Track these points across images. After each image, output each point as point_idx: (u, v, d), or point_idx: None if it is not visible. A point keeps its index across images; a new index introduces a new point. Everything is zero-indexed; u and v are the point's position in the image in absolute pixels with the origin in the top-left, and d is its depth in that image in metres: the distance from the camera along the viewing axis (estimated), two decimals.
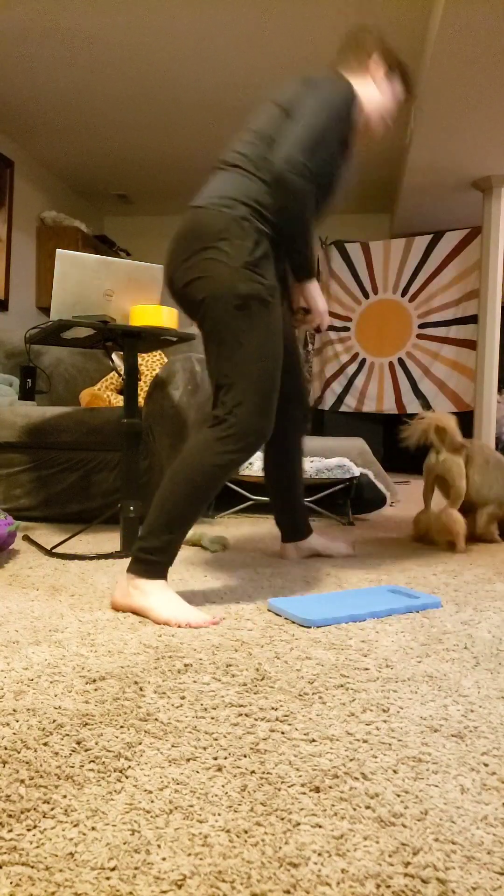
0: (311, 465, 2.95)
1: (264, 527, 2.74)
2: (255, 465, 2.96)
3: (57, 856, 0.64)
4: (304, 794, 0.76)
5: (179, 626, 1.34)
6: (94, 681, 1.06)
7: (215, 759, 0.83)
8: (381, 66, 1.79)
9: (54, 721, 0.91)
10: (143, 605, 1.40)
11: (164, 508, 1.45)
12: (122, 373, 3.08)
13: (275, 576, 1.83)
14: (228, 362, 1.51)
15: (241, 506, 3.00)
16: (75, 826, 0.69)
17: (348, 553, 2.12)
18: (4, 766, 0.80)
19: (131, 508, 2.05)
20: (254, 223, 1.55)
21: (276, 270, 1.62)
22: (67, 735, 0.88)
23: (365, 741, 0.88)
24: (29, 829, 0.68)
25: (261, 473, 2.92)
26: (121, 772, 0.79)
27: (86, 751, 0.84)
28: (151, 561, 1.44)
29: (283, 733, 0.90)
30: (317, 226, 1.69)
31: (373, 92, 1.79)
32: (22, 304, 5.59)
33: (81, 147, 5.50)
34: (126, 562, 1.98)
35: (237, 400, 1.49)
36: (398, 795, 0.76)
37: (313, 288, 1.72)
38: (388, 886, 0.61)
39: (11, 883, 0.60)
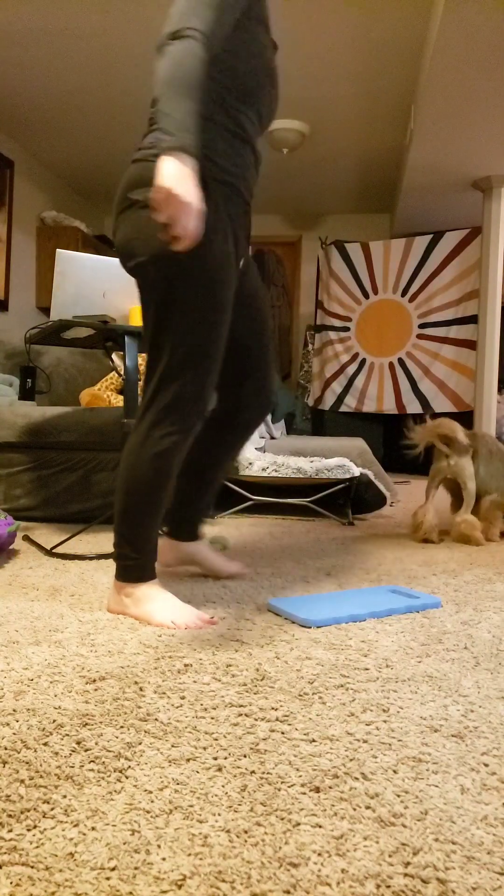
0: (311, 465, 2.95)
1: (264, 527, 2.74)
2: (255, 465, 2.96)
3: (57, 856, 0.64)
4: (304, 794, 0.76)
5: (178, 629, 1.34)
6: (94, 681, 1.06)
7: (215, 759, 0.83)
8: None
9: (54, 721, 0.91)
10: (138, 613, 1.38)
11: (125, 510, 1.39)
12: (122, 373, 3.08)
13: (275, 576, 1.83)
14: (161, 333, 1.35)
15: (241, 506, 3.00)
16: (75, 826, 0.69)
17: (238, 571, 1.77)
18: (4, 766, 0.80)
19: None
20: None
21: (227, 221, 1.38)
22: (67, 735, 0.88)
23: (365, 741, 0.88)
24: (29, 829, 0.68)
25: (261, 473, 2.93)
26: (121, 772, 0.79)
27: (86, 751, 0.84)
28: (130, 565, 1.41)
29: (283, 733, 0.90)
30: (258, 123, 1.43)
31: None
32: (22, 304, 5.59)
33: (81, 147, 5.50)
34: None
35: (168, 376, 1.34)
36: (398, 795, 0.76)
37: (166, 163, 1.14)
38: (388, 886, 0.61)
39: (11, 883, 0.60)
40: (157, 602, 1.38)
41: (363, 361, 5.98)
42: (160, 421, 1.36)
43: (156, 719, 0.93)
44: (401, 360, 5.83)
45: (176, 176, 1.13)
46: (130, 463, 1.38)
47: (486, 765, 0.83)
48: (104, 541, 2.32)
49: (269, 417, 4.23)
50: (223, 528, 2.69)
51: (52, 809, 0.72)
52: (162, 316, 1.34)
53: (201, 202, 1.21)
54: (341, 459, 2.91)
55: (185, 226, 1.16)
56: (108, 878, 0.61)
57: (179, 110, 1.15)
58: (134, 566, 1.42)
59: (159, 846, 0.66)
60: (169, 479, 1.39)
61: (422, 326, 5.74)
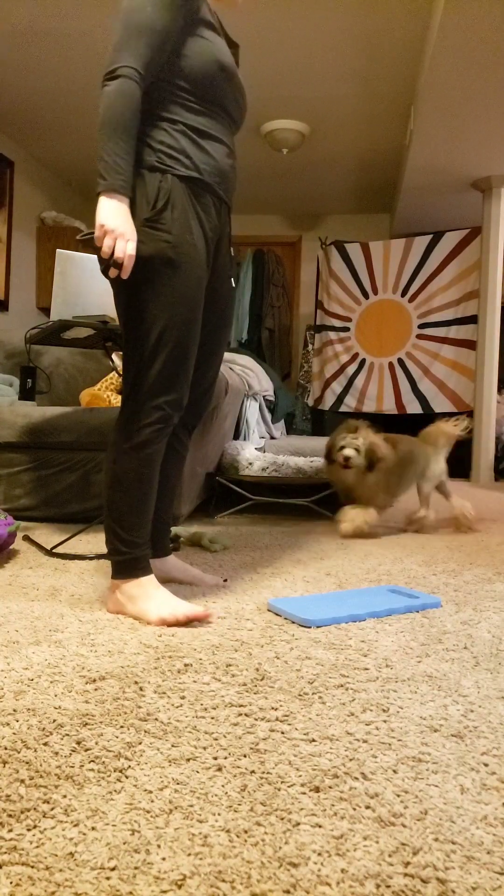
0: (312, 465, 2.95)
1: (264, 527, 2.74)
2: (255, 465, 2.96)
3: (57, 856, 0.64)
4: (304, 794, 0.76)
5: (177, 624, 1.34)
6: (94, 681, 1.06)
7: (215, 759, 0.83)
8: None
9: (54, 721, 0.91)
10: (133, 612, 1.39)
11: (111, 505, 1.42)
12: (121, 373, 3.07)
13: (275, 576, 1.83)
14: (133, 333, 1.39)
15: (241, 506, 3.00)
16: (75, 826, 0.69)
17: (215, 584, 1.71)
18: (4, 766, 0.80)
19: None
20: (154, 164, 1.38)
21: (195, 217, 1.41)
22: (67, 735, 0.88)
23: (365, 741, 0.88)
24: (29, 829, 0.68)
25: (261, 473, 2.93)
26: (121, 772, 0.79)
27: (86, 751, 0.84)
28: (121, 560, 1.42)
29: (283, 733, 0.90)
30: (223, 130, 1.47)
31: None
32: (22, 304, 5.59)
33: (81, 147, 5.50)
34: None
35: (143, 371, 1.38)
36: (398, 795, 0.76)
37: (102, 205, 1.31)
38: (388, 886, 0.61)
39: (11, 883, 0.60)
40: (152, 599, 1.38)
41: (363, 361, 5.98)
42: (136, 414, 1.40)
43: (156, 719, 0.93)
44: (400, 361, 5.83)
45: (108, 213, 1.30)
46: (112, 458, 1.42)
47: (486, 765, 0.83)
48: (104, 541, 2.32)
49: (269, 417, 4.23)
50: (223, 528, 2.70)
51: (52, 809, 0.72)
52: (132, 314, 1.40)
53: (132, 233, 1.32)
54: None
55: (119, 252, 1.30)
56: (108, 878, 0.61)
57: (110, 153, 1.30)
58: (125, 561, 1.42)
59: (159, 846, 0.66)
60: (151, 471, 1.42)
61: (421, 326, 5.74)
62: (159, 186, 1.37)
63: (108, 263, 1.32)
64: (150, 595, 1.39)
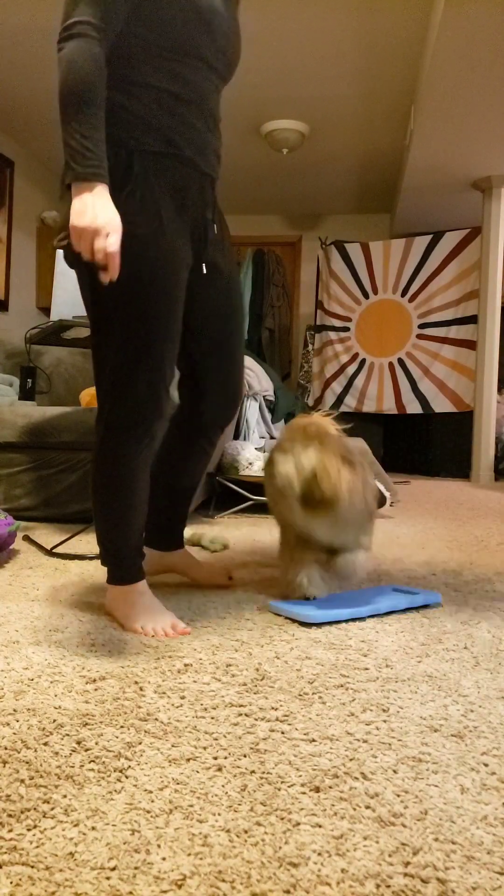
0: None
1: (264, 527, 2.74)
2: (255, 465, 2.96)
3: (57, 856, 0.64)
4: (304, 794, 0.76)
5: (154, 635, 1.29)
6: (94, 681, 1.06)
7: (215, 758, 0.83)
8: None
9: (54, 721, 0.91)
10: (118, 617, 1.36)
11: (96, 513, 1.36)
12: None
13: (275, 576, 1.83)
14: (98, 333, 1.28)
15: (241, 506, 3.00)
16: (75, 826, 0.69)
17: (222, 583, 1.65)
18: (4, 766, 0.80)
19: None
20: (119, 137, 1.22)
21: (161, 196, 1.25)
22: (67, 735, 0.88)
23: (365, 741, 0.88)
24: (29, 829, 0.68)
25: (261, 473, 2.93)
26: (121, 772, 0.79)
27: (86, 751, 0.84)
28: (109, 567, 1.39)
29: (283, 733, 0.90)
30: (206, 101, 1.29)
31: None
32: (22, 304, 5.59)
33: None
34: None
35: (108, 376, 1.27)
36: (398, 795, 0.76)
37: (73, 202, 1.14)
38: (388, 886, 0.61)
39: (11, 883, 0.60)
40: (134, 607, 1.34)
41: (363, 361, 5.99)
42: (112, 420, 1.29)
43: (156, 719, 0.93)
44: (401, 361, 5.83)
45: (77, 211, 1.13)
46: (95, 465, 1.34)
47: (486, 765, 0.83)
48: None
49: (269, 417, 4.23)
50: (223, 528, 2.70)
51: (52, 809, 0.72)
52: (96, 314, 1.28)
53: (110, 223, 1.14)
54: None
55: (100, 250, 1.14)
56: (108, 878, 0.61)
57: (75, 135, 1.13)
58: (112, 568, 1.38)
59: (159, 846, 0.66)
60: (132, 478, 1.32)
61: (422, 326, 5.75)
62: (124, 166, 1.21)
63: (91, 267, 1.18)
64: (134, 603, 1.35)
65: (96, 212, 1.13)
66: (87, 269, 1.24)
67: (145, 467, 1.35)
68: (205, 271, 1.41)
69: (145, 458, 1.34)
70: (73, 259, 1.24)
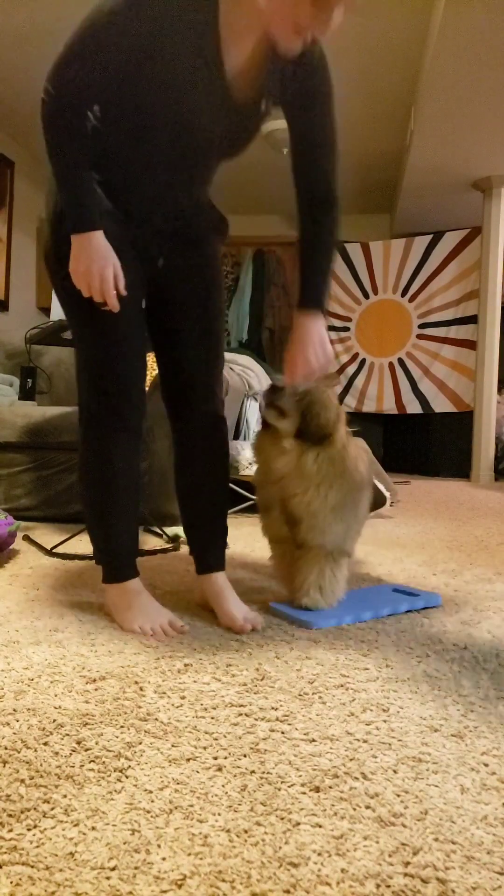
0: None
1: None
2: (255, 466, 2.96)
3: (57, 855, 0.64)
4: (304, 794, 0.76)
5: (155, 638, 1.29)
6: (95, 680, 1.06)
7: (215, 758, 0.83)
8: None
9: (54, 721, 0.91)
10: (115, 616, 1.37)
11: (84, 511, 1.41)
12: None
13: (275, 576, 1.83)
14: (72, 336, 1.38)
15: (241, 506, 3.00)
16: (75, 826, 0.69)
17: (241, 627, 1.34)
18: (4, 766, 0.80)
19: None
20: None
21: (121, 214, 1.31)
22: (67, 735, 0.88)
23: (365, 741, 0.88)
24: (29, 829, 0.68)
25: None
26: (121, 772, 0.79)
27: (86, 750, 0.84)
28: (102, 566, 1.40)
29: (283, 733, 0.90)
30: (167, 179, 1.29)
31: None
32: (22, 304, 5.59)
33: None
34: None
35: (80, 379, 1.37)
36: (398, 795, 0.76)
37: (73, 249, 1.23)
38: (388, 886, 0.61)
39: (11, 883, 0.60)
40: (130, 608, 1.34)
41: (363, 361, 5.98)
42: (83, 421, 1.37)
43: (156, 719, 0.93)
44: (401, 361, 5.83)
45: (76, 258, 1.23)
46: (79, 460, 1.41)
47: (486, 765, 0.83)
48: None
49: None
50: None
51: (53, 809, 0.72)
52: (69, 325, 1.39)
53: (100, 263, 1.23)
54: None
55: (96, 291, 1.24)
56: (108, 878, 0.61)
57: (64, 190, 1.21)
58: (105, 567, 1.39)
59: (159, 846, 0.66)
60: (111, 471, 1.35)
61: (422, 326, 5.74)
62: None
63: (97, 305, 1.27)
64: (129, 603, 1.35)
65: (90, 262, 1.23)
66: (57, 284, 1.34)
67: (125, 461, 1.37)
68: (160, 264, 1.41)
69: (123, 451, 1.36)
70: (57, 265, 1.31)
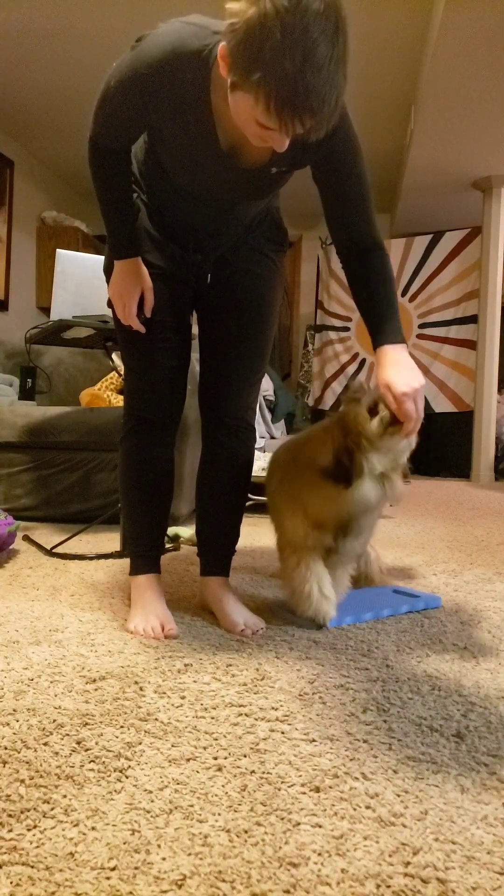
0: None
1: (264, 526, 2.74)
2: (255, 465, 2.96)
3: (57, 856, 0.64)
4: (304, 794, 0.76)
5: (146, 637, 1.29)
6: (95, 681, 1.06)
7: (215, 759, 0.83)
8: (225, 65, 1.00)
9: (54, 721, 0.91)
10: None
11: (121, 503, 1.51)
12: (122, 373, 3.08)
13: (274, 575, 1.83)
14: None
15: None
16: (75, 826, 0.69)
17: (241, 632, 1.33)
18: (4, 766, 0.80)
19: None
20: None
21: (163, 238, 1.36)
22: (67, 735, 0.88)
23: (365, 741, 0.88)
24: (29, 829, 0.68)
25: (261, 473, 2.92)
26: (121, 772, 0.79)
27: (86, 751, 0.84)
28: (130, 557, 1.46)
29: (283, 733, 0.90)
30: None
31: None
32: (22, 304, 5.59)
33: (81, 147, 5.50)
34: (126, 562, 1.98)
35: (124, 381, 1.47)
36: (398, 795, 0.76)
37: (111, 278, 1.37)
38: (388, 886, 0.61)
39: (11, 883, 0.60)
40: (135, 604, 1.38)
41: (363, 361, 5.98)
42: (124, 417, 1.47)
43: (156, 719, 0.93)
44: None
45: (111, 282, 1.36)
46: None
47: (486, 765, 0.83)
48: (104, 541, 2.32)
49: (269, 417, 4.23)
50: None
51: (52, 809, 0.72)
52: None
53: (125, 292, 1.34)
54: None
55: (121, 315, 1.36)
56: (108, 878, 0.61)
57: (106, 223, 1.31)
58: (131, 558, 1.45)
59: (159, 846, 0.66)
60: (133, 469, 1.44)
61: (422, 326, 5.74)
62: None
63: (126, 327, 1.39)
64: (137, 599, 1.39)
65: (114, 291, 1.36)
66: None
67: (148, 464, 1.43)
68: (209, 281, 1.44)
69: (147, 454, 1.43)
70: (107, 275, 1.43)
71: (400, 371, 1.21)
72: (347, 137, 1.21)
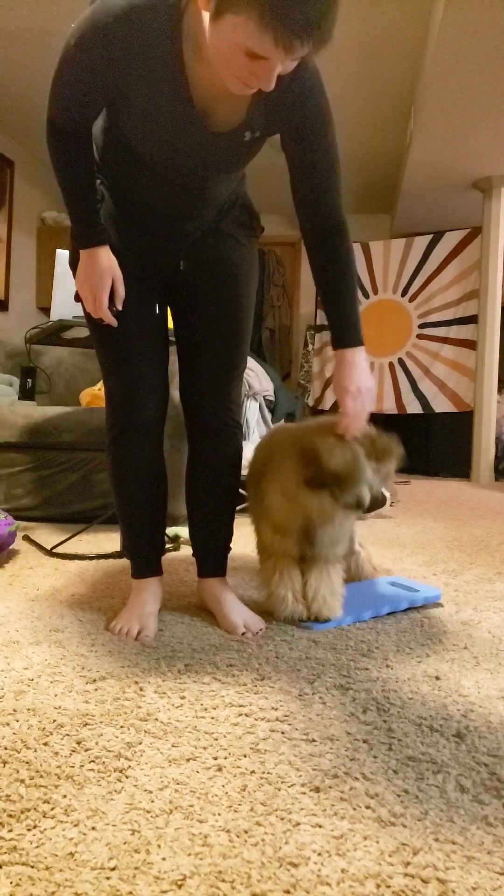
0: None
1: None
2: None
3: (57, 856, 0.64)
4: (304, 794, 0.76)
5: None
6: (95, 681, 1.06)
7: (215, 759, 0.83)
8: None
9: (54, 721, 0.91)
10: None
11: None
12: None
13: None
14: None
15: (242, 505, 3.00)
16: (75, 826, 0.69)
17: (239, 635, 1.32)
18: (4, 766, 0.80)
19: None
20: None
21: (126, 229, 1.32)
22: (67, 735, 0.88)
23: (365, 741, 0.88)
24: (29, 829, 0.68)
25: None
26: (121, 772, 0.79)
27: (86, 751, 0.84)
28: (130, 560, 1.45)
29: (283, 733, 0.90)
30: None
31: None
32: (22, 304, 5.59)
33: None
34: (126, 561, 1.98)
35: (104, 384, 1.42)
36: (398, 795, 0.76)
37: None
38: (388, 886, 0.61)
39: (11, 883, 0.60)
40: (127, 606, 1.38)
41: None
42: (107, 421, 1.43)
43: (156, 719, 0.93)
44: (401, 360, 5.83)
45: (78, 273, 1.29)
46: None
47: (486, 765, 0.83)
48: (104, 541, 2.32)
49: (269, 417, 4.23)
50: None
51: (53, 809, 0.72)
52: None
53: (94, 284, 1.26)
54: None
55: (90, 308, 1.29)
56: (108, 878, 0.61)
57: (70, 212, 1.26)
58: (131, 561, 1.45)
59: (159, 846, 0.66)
60: (122, 475, 1.40)
61: (422, 326, 5.74)
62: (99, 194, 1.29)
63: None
64: (129, 601, 1.39)
65: (81, 281, 1.29)
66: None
67: (136, 468, 1.40)
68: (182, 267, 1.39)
69: (131, 457, 1.39)
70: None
71: (351, 372, 1.28)
72: (320, 106, 1.19)
